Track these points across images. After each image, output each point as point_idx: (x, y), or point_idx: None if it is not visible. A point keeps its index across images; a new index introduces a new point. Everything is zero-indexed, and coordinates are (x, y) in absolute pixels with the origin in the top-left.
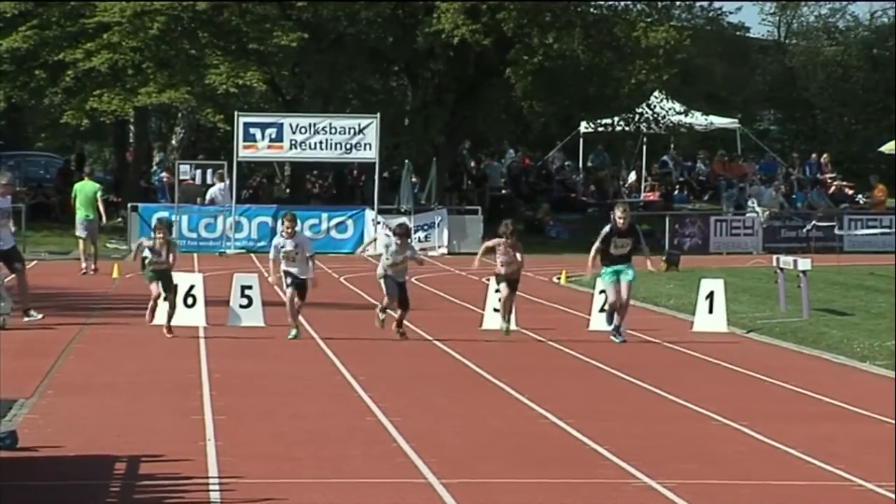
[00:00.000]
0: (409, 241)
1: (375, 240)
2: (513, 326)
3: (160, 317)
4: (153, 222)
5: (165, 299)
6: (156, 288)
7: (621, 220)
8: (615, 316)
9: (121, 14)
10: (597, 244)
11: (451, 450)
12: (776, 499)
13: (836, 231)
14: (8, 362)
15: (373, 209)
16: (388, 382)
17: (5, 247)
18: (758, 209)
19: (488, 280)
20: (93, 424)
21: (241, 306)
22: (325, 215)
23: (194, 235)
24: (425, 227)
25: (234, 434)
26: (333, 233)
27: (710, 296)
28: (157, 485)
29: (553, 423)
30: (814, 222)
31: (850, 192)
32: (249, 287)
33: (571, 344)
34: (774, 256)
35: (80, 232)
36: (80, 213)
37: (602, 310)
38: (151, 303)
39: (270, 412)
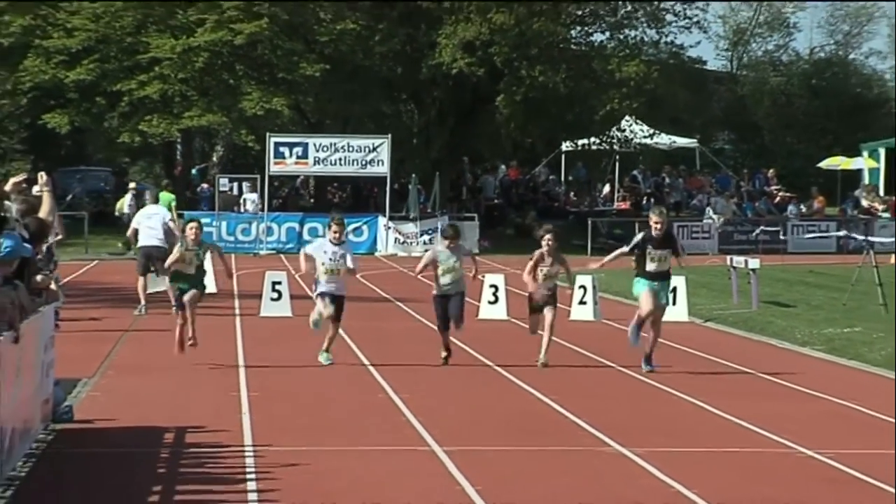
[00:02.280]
0: (461, 242)
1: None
2: (542, 358)
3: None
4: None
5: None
6: (177, 292)
7: (657, 227)
8: (642, 335)
9: (171, 50)
10: (622, 248)
11: (451, 422)
12: (728, 464)
13: (781, 235)
14: (73, 347)
15: (384, 216)
16: (398, 365)
17: None
18: (714, 216)
19: (484, 277)
20: (145, 400)
21: (272, 299)
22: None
23: (232, 238)
24: (429, 231)
25: (265, 409)
26: (351, 236)
27: (674, 290)
28: (199, 452)
29: (540, 400)
30: (761, 227)
31: (791, 201)
32: (279, 283)
33: (558, 338)
34: (728, 257)
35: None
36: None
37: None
38: (178, 329)
39: (297, 391)
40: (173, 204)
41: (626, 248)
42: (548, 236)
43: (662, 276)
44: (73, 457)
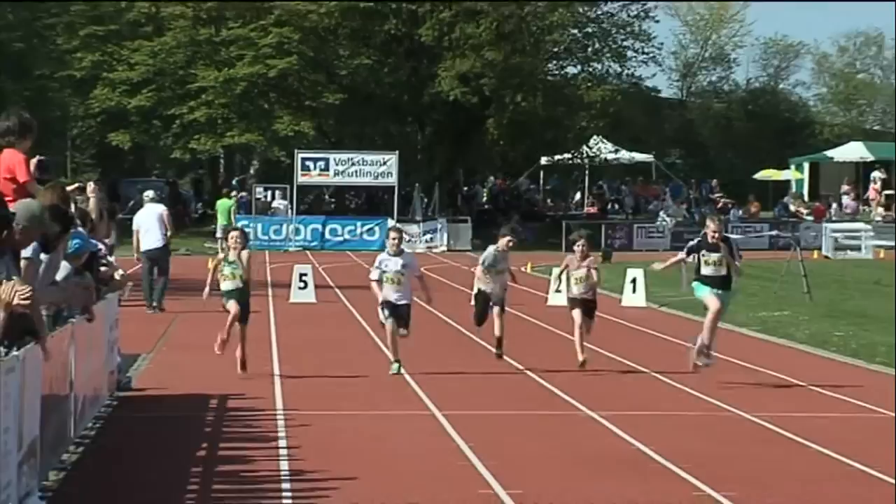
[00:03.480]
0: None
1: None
2: (580, 357)
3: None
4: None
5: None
6: (234, 306)
7: (714, 236)
8: (705, 335)
9: (215, 81)
10: (680, 254)
11: (451, 391)
12: (675, 424)
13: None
14: (134, 327)
15: (393, 218)
16: (404, 343)
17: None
18: (667, 219)
19: (474, 270)
20: (193, 372)
21: (300, 288)
22: (359, 223)
23: (266, 237)
24: (431, 232)
25: (294, 380)
26: (365, 236)
27: (634, 280)
28: (239, 415)
29: (523, 372)
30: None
31: (731, 207)
32: (305, 274)
33: (534, 315)
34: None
35: (219, 233)
36: (221, 220)
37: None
38: (226, 329)
39: (319, 364)
40: (233, 208)
41: (683, 254)
42: (581, 241)
43: (721, 282)
44: (134, 420)
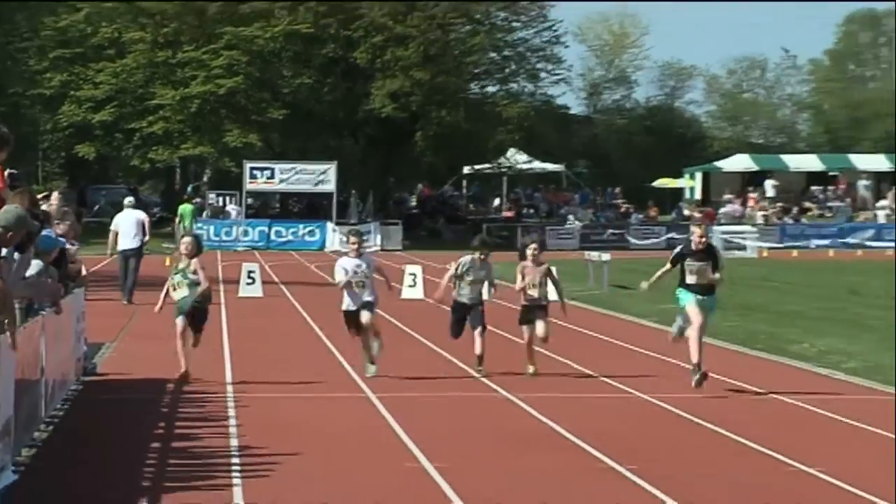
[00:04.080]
0: (489, 260)
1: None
2: (530, 370)
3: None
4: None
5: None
6: (180, 323)
7: (698, 242)
8: (692, 352)
9: (171, 98)
10: (666, 266)
11: (382, 375)
12: (584, 405)
13: (625, 236)
14: (99, 319)
15: (332, 221)
16: (341, 331)
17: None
18: (575, 222)
19: (405, 267)
20: (152, 359)
21: (248, 284)
22: (301, 226)
23: (217, 238)
24: (365, 233)
25: (243, 365)
26: (306, 237)
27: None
28: (192, 397)
29: (445, 357)
30: (610, 230)
31: (632, 211)
32: (253, 271)
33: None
34: (585, 252)
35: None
36: (185, 223)
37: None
38: (180, 352)
39: (266, 352)
40: (194, 212)
41: (668, 266)
42: (533, 246)
43: (705, 289)
44: (98, 401)
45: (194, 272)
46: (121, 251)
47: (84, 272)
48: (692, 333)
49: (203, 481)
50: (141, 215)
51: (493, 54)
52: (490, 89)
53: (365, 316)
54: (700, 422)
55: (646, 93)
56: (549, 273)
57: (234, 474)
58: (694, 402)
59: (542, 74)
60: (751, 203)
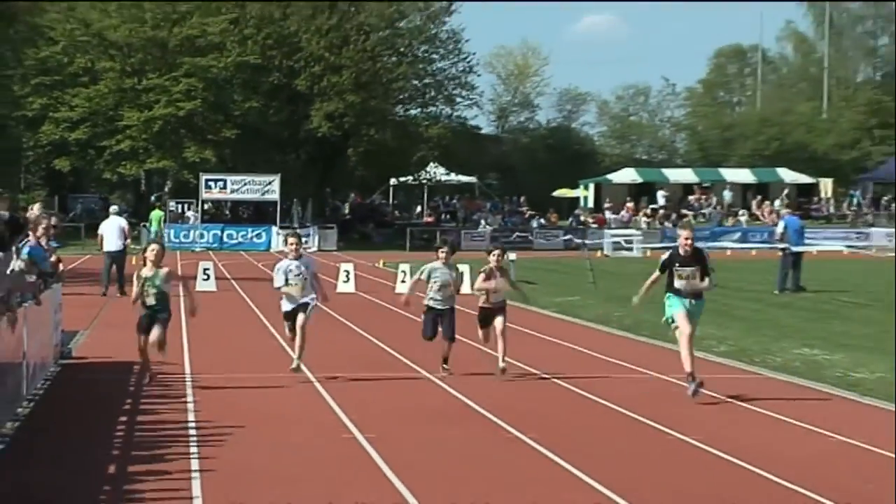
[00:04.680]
0: (451, 258)
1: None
2: (501, 364)
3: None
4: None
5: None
6: (149, 336)
7: (687, 244)
8: (685, 362)
9: (137, 119)
10: (654, 273)
11: (324, 360)
12: (499, 385)
13: (529, 238)
14: (75, 309)
15: (276, 225)
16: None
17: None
18: (486, 227)
19: (339, 265)
20: (120, 345)
21: (203, 280)
22: (250, 229)
23: (177, 240)
24: (305, 236)
25: (200, 350)
26: (254, 239)
27: (462, 273)
28: (158, 380)
29: (377, 345)
30: (516, 233)
31: (535, 217)
32: (208, 269)
33: (385, 300)
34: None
35: (152, 236)
36: (154, 226)
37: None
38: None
39: (220, 338)
40: (162, 217)
41: (656, 273)
42: (496, 252)
43: (694, 295)
44: (74, 381)
45: (166, 282)
46: (106, 252)
47: (62, 268)
48: (682, 343)
49: (164, 449)
50: (122, 222)
51: (415, 82)
52: (413, 112)
53: (300, 318)
54: (595, 399)
55: (546, 115)
56: (507, 278)
57: (191, 443)
58: (589, 382)
59: (458, 99)
60: (631, 211)
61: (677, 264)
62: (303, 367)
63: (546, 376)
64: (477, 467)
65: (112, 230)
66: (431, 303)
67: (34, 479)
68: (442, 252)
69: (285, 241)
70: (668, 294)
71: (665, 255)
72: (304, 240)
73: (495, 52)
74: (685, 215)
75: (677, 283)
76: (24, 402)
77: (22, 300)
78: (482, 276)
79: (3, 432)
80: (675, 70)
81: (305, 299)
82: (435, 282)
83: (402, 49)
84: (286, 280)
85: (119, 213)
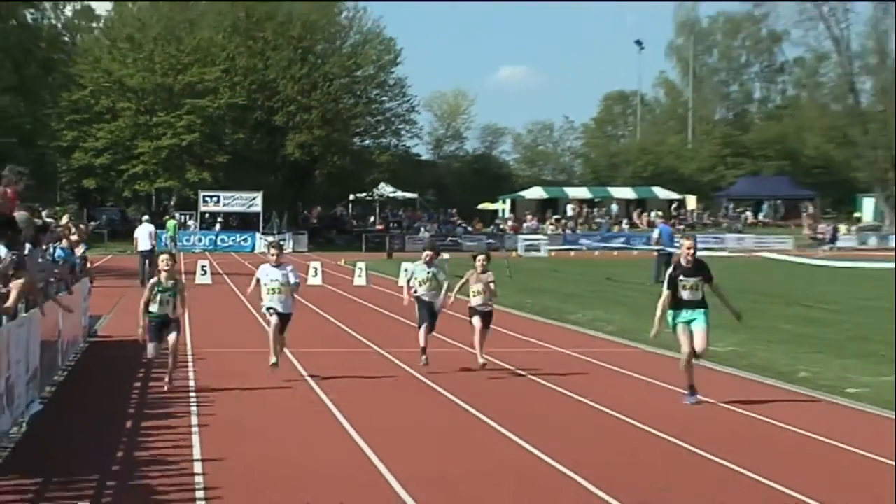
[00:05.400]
0: (437, 259)
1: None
2: (480, 360)
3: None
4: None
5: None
6: (152, 350)
7: (689, 253)
8: (687, 373)
9: (149, 148)
10: (663, 294)
11: (298, 336)
12: (451, 360)
13: (458, 241)
14: (101, 299)
15: (260, 232)
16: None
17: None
18: (425, 233)
19: (309, 263)
20: (137, 326)
21: (201, 275)
22: (238, 235)
23: (181, 243)
24: (282, 241)
25: (199, 331)
26: (242, 243)
27: (406, 270)
28: (164, 352)
29: (339, 327)
30: (449, 237)
31: (463, 225)
32: (205, 266)
33: (346, 291)
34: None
35: (168, 242)
36: (169, 233)
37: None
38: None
39: (215, 321)
40: (176, 225)
41: (665, 291)
42: (481, 257)
43: (696, 305)
44: (99, 356)
45: (174, 294)
46: (139, 252)
47: (89, 265)
48: (681, 360)
49: (170, 408)
50: (151, 228)
51: (369, 118)
52: (367, 143)
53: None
54: (519, 370)
55: (472, 145)
56: (489, 282)
57: (191, 403)
58: (513, 355)
59: (403, 132)
60: (535, 221)
61: (681, 276)
62: (275, 359)
63: (465, 348)
64: (408, 414)
65: (144, 234)
66: (421, 294)
67: (69, 431)
68: (426, 255)
69: (268, 251)
70: (671, 309)
71: (670, 271)
72: (283, 246)
73: (433, 95)
74: (582, 223)
75: (682, 293)
76: (60, 371)
77: (58, 290)
78: (464, 279)
79: (43, 396)
80: (574, 109)
81: (286, 311)
82: (417, 278)
83: (358, 93)
84: (262, 284)
85: (150, 221)
